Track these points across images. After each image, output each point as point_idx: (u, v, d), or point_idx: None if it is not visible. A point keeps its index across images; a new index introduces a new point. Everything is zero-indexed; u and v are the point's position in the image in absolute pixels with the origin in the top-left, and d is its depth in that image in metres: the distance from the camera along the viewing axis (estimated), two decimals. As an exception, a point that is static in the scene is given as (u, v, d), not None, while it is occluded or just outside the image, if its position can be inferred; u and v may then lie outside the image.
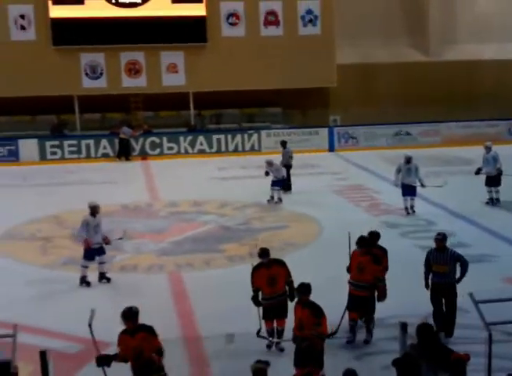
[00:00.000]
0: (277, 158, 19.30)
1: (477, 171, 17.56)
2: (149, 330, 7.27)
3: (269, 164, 18.46)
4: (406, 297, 10.56)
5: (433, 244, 9.81)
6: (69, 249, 14.50)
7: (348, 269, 9.72)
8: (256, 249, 9.86)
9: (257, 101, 27.61)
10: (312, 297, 8.29)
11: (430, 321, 8.54)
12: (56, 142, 25.87)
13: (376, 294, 9.61)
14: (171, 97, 26.41)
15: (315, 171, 22.97)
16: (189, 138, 26.55)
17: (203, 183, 21.06)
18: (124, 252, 12.79)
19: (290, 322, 8.87)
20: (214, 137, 26.63)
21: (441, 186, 17.03)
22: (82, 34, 25.81)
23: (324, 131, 27.20)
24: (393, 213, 16.94)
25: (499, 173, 17.21)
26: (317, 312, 8.07)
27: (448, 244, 9.89)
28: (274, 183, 18.31)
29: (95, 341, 7.08)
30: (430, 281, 9.74)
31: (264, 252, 9.49)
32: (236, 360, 8.65)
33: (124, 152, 25.76)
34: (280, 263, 9.50)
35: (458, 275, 9.63)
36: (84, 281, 12.17)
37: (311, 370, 7.24)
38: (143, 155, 26.13)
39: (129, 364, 7.18)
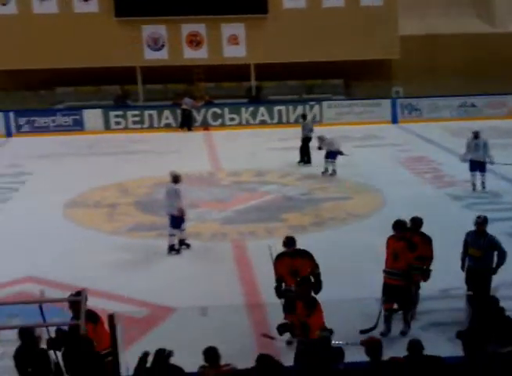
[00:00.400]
0: (333, 131, 19.03)
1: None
2: None
3: (321, 139, 18.43)
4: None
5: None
6: (133, 216, 14.81)
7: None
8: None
9: (318, 72, 27.39)
10: (378, 264, 8.26)
11: (497, 294, 8.39)
12: (120, 112, 26.23)
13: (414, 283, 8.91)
14: (232, 68, 26.44)
15: (378, 142, 22.74)
16: (251, 109, 26.55)
17: (265, 154, 21.11)
18: (188, 220, 12.92)
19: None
20: (276, 108, 26.56)
21: (511, 164, 16.53)
22: (144, 6, 25.99)
23: (387, 103, 26.83)
24: (457, 185, 16.67)
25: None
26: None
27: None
28: (328, 155, 18.21)
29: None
30: (466, 263, 9.27)
31: (289, 241, 8.85)
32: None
33: (186, 122, 25.93)
34: (306, 256, 8.76)
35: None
36: (173, 249, 12.32)
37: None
38: (205, 126, 26.25)
39: None
